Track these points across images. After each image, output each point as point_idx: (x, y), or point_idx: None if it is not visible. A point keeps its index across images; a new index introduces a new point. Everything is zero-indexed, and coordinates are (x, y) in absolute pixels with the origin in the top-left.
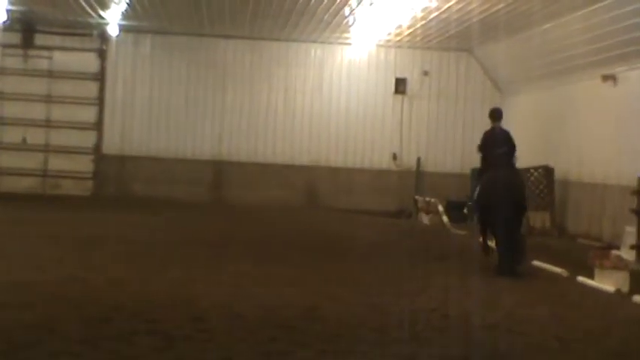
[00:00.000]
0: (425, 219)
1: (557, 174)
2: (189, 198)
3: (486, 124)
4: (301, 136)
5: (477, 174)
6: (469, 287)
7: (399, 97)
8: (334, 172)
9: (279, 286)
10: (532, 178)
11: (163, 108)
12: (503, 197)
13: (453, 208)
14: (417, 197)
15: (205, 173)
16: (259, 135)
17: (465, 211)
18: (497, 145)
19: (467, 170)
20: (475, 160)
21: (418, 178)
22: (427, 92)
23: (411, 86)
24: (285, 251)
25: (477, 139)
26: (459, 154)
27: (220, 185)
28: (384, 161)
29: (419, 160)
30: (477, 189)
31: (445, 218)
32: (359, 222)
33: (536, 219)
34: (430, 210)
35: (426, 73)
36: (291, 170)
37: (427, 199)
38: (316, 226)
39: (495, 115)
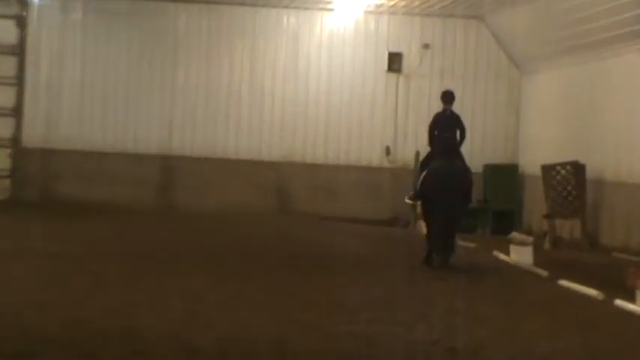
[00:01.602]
0: (425, 228)
1: (589, 172)
2: (131, 202)
3: (501, 108)
4: (271, 125)
5: (424, 159)
6: (479, 312)
7: (393, 76)
8: (312, 170)
9: (242, 312)
10: (558, 177)
11: (99, 89)
12: (445, 183)
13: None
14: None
15: (151, 171)
16: (219, 123)
17: (407, 199)
18: (446, 128)
19: (479, 167)
20: (490, 151)
21: (417, 177)
22: (428, 70)
23: (408, 62)
24: (250, 268)
25: (492, 127)
26: (469, 146)
27: (170, 186)
28: (374, 156)
29: (417, 154)
30: (422, 177)
31: None
32: (342, 231)
33: (563, 227)
34: None
35: (426, 47)
36: (258, 168)
37: None
38: (289, 237)
39: (447, 97)
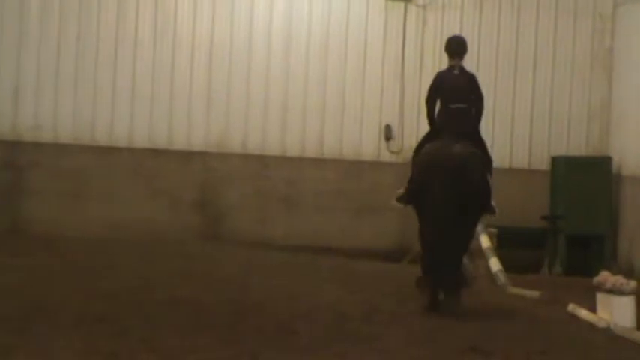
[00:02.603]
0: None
1: None
2: None
3: (581, 65)
4: (190, 92)
5: (419, 143)
6: None
7: (399, 7)
8: (259, 165)
9: None
10: None
11: None
12: (434, 176)
13: (513, 242)
14: None
15: None
16: (99, 89)
17: (394, 201)
18: (455, 94)
19: (543, 161)
20: (563, 135)
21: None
22: None
23: None
24: (151, 332)
25: (565, 97)
26: (527, 129)
27: (16, 192)
28: (365, 144)
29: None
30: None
31: (495, 262)
32: (312, 273)
33: None
34: None
35: None
36: (168, 163)
37: None
38: (223, 282)
39: (454, 47)
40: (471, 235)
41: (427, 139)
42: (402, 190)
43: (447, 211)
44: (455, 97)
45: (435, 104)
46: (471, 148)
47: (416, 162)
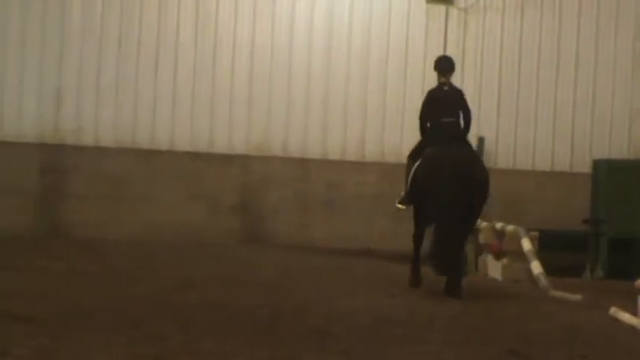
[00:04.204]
0: (494, 267)
1: None
2: None
3: (624, 61)
4: (231, 95)
5: (414, 149)
6: None
7: (440, 9)
8: (301, 169)
9: None
10: None
11: None
12: (448, 173)
13: (555, 245)
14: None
15: (27, 171)
16: (140, 93)
17: (397, 203)
18: (446, 109)
19: (585, 164)
20: (605, 137)
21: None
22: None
23: None
24: (189, 336)
25: (607, 95)
26: (569, 131)
27: (57, 197)
28: (406, 146)
29: (481, 142)
30: (413, 170)
31: (536, 265)
32: (351, 276)
33: None
34: (505, 250)
35: None
36: (208, 166)
37: (498, 225)
38: (261, 285)
39: (444, 66)
40: (473, 229)
41: (421, 146)
42: (402, 195)
43: (459, 208)
44: (446, 112)
45: (426, 119)
46: (473, 150)
47: (420, 164)
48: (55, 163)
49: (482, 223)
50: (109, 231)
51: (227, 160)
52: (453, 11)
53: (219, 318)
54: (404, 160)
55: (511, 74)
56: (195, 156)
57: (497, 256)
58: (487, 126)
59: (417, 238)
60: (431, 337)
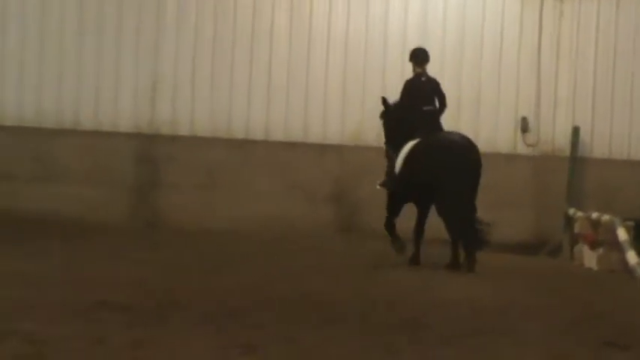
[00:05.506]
0: (590, 257)
1: None
2: (87, 213)
3: None
4: (325, 84)
5: (391, 142)
6: None
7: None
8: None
9: None
10: None
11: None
12: (464, 160)
13: None
14: (571, 212)
15: (124, 160)
16: (236, 84)
17: (378, 185)
18: (425, 98)
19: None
20: None
21: (575, 171)
22: None
23: None
24: (284, 326)
25: None
26: (623, 113)
27: (153, 185)
28: (501, 136)
29: (576, 132)
30: (404, 156)
31: (632, 255)
32: (443, 264)
33: None
34: (601, 239)
35: None
36: (303, 156)
37: (594, 215)
38: (355, 275)
39: (419, 56)
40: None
41: (401, 133)
42: (384, 179)
43: (474, 187)
44: (426, 100)
45: (407, 108)
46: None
47: (421, 151)
48: (150, 154)
49: (577, 213)
50: (205, 221)
51: (322, 150)
52: (549, 1)
53: (314, 307)
54: (498, 149)
55: (606, 64)
56: (289, 146)
57: (593, 246)
58: (582, 116)
59: (390, 225)
60: (528, 327)
